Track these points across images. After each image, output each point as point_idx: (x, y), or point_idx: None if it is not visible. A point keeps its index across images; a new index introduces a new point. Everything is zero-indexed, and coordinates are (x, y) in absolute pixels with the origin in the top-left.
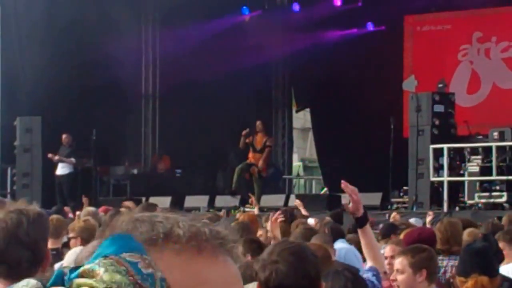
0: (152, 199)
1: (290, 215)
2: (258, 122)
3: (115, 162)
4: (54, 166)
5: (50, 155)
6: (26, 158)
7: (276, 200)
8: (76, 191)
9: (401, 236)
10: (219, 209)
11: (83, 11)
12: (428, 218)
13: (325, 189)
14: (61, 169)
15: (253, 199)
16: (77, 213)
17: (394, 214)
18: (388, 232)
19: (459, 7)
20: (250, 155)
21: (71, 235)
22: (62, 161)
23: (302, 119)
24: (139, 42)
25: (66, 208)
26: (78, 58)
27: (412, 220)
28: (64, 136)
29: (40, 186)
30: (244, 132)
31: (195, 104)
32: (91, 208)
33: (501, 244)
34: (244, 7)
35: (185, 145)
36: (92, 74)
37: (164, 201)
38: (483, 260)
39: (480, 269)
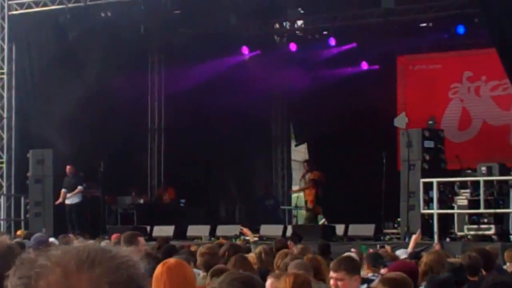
0: (157, 228)
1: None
2: (304, 163)
3: (122, 192)
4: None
5: (59, 200)
6: (38, 188)
7: (275, 230)
8: (85, 219)
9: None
10: (220, 238)
11: (93, 49)
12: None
13: (323, 219)
14: (70, 199)
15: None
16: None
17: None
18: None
19: (449, 48)
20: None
21: None
22: (71, 189)
23: (303, 152)
24: (145, 78)
25: (71, 236)
26: (87, 93)
27: (398, 252)
28: (68, 167)
29: (52, 214)
30: (302, 173)
31: (199, 138)
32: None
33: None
34: (244, 47)
35: (189, 176)
36: (101, 108)
37: (168, 230)
38: None
39: None
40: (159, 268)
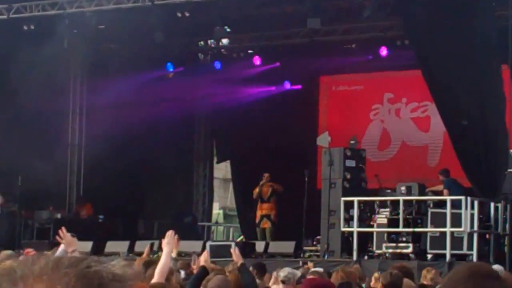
0: None
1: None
2: (266, 175)
3: (40, 206)
4: None
5: None
6: None
7: (193, 246)
8: (1, 233)
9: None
10: (139, 254)
11: (15, 62)
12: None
13: (242, 236)
14: None
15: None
16: None
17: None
18: None
19: (372, 69)
20: (258, 205)
21: None
22: None
23: (224, 170)
24: (67, 93)
25: None
26: (6, 108)
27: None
28: None
29: None
30: (261, 183)
31: (119, 153)
32: (8, 252)
33: None
34: (169, 64)
35: (108, 192)
36: (20, 121)
37: (85, 246)
38: None
39: None
40: None
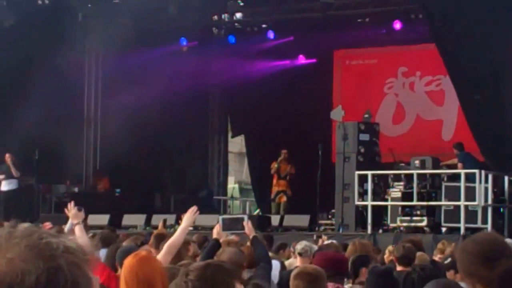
0: (91, 217)
1: None
2: (284, 151)
3: (57, 180)
4: None
5: None
6: None
7: (209, 219)
8: (20, 207)
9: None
10: (156, 227)
11: (29, 36)
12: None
13: (258, 210)
14: (7, 185)
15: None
16: None
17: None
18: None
19: (386, 43)
20: (274, 181)
21: None
22: (7, 176)
23: (239, 144)
24: (82, 67)
25: (6, 224)
26: (23, 81)
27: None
28: (7, 155)
29: None
30: (279, 159)
31: (135, 127)
32: (26, 224)
33: None
34: (182, 38)
35: (124, 166)
36: (36, 95)
37: (102, 219)
38: (387, 280)
39: None
40: (130, 259)
